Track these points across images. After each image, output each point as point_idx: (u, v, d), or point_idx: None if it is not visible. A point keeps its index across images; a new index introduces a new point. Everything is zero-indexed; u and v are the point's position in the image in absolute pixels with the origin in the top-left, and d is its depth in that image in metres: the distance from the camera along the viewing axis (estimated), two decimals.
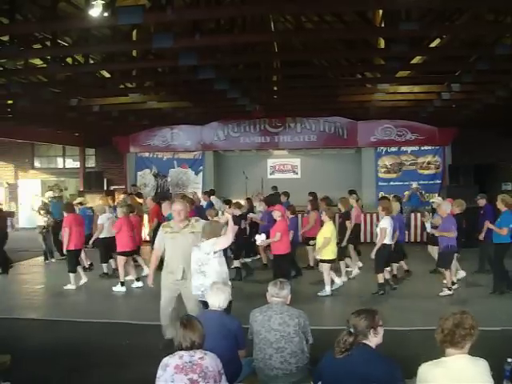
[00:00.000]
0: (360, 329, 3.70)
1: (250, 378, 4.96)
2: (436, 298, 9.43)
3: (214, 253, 6.31)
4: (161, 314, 6.90)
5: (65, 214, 10.98)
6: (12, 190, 23.34)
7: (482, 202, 11.25)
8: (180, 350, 3.80)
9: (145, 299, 9.88)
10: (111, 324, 8.34)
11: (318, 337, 5.16)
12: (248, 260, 12.06)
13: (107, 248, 11.61)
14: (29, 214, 14.89)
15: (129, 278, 10.74)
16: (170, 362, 3.73)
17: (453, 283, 9.75)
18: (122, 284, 10.45)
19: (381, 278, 9.71)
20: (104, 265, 11.78)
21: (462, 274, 10.69)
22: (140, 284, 10.63)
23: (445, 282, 9.90)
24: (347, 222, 10.77)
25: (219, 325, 4.80)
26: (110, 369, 6.24)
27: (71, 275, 10.70)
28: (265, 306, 5.00)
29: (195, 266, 6.35)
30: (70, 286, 10.64)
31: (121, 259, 10.54)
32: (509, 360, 3.95)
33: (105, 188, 20.79)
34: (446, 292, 9.56)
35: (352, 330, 3.69)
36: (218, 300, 4.96)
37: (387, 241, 9.66)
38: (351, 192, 12.87)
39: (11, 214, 21.03)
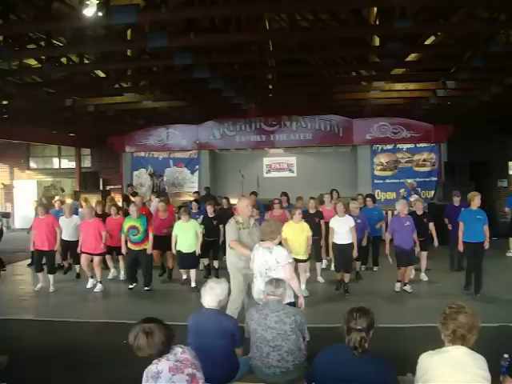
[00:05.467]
0: (365, 327, 3.68)
1: (247, 376, 4.97)
2: (430, 295, 9.48)
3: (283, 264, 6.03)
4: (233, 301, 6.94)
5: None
6: (8, 191, 23.31)
7: (457, 199, 11.36)
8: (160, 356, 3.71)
9: (140, 299, 9.94)
10: (108, 324, 8.38)
11: (314, 334, 5.17)
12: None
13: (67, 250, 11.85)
14: (24, 215, 14.82)
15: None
16: (162, 368, 3.63)
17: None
18: (100, 282, 10.79)
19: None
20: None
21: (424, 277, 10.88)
22: (98, 288, 10.71)
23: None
24: (321, 222, 10.75)
25: (216, 323, 4.80)
26: (107, 368, 6.26)
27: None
28: (261, 304, 5.01)
29: (261, 268, 6.04)
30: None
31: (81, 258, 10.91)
32: (505, 356, 3.97)
33: (101, 188, 20.76)
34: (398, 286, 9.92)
35: (360, 327, 3.65)
36: (211, 300, 4.93)
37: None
38: (333, 190, 12.77)
39: (7, 215, 21.08)
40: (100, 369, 6.27)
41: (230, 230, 7.14)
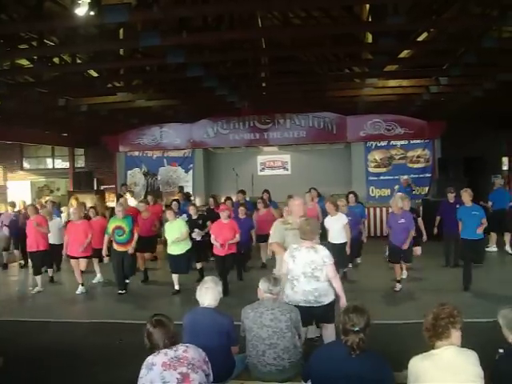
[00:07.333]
0: (362, 327, 3.68)
1: (243, 374, 4.97)
2: (425, 291, 9.46)
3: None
4: None
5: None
6: (1, 192, 23.20)
7: (452, 196, 11.36)
8: (160, 349, 3.79)
9: (135, 298, 9.92)
10: (102, 324, 8.35)
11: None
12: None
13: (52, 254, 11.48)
14: None
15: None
16: (156, 361, 3.71)
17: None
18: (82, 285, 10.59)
19: None
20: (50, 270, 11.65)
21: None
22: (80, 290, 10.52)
23: (404, 276, 10.24)
24: None
25: (211, 322, 4.80)
26: (103, 369, 6.24)
27: None
28: (256, 302, 5.00)
29: (306, 268, 5.72)
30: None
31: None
32: (500, 350, 3.97)
33: (95, 188, 20.70)
34: (399, 286, 9.72)
35: (357, 329, 3.65)
36: (208, 299, 4.93)
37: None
38: (311, 189, 12.66)
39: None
40: (96, 369, 6.26)
41: (275, 230, 6.91)
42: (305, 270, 5.71)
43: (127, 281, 10.44)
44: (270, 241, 6.99)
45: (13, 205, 13.68)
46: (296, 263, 5.77)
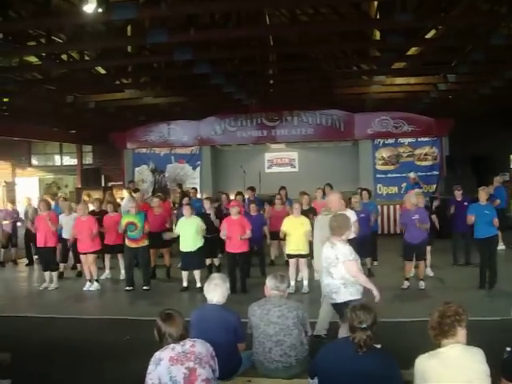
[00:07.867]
0: (370, 324, 3.67)
1: (249, 371, 4.97)
2: (433, 289, 9.44)
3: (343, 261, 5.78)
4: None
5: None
6: (10, 189, 23.30)
7: (459, 193, 11.32)
8: (169, 343, 3.80)
9: (143, 295, 9.94)
10: (110, 321, 8.39)
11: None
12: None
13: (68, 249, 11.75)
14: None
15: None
16: (164, 356, 3.71)
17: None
18: (97, 281, 10.65)
19: None
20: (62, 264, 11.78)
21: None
22: (94, 287, 10.54)
23: (411, 274, 10.06)
24: (315, 218, 10.46)
25: (219, 318, 4.80)
26: (110, 365, 6.26)
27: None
28: (262, 299, 5.00)
29: (324, 263, 5.95)
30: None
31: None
32: (508, 349, 3.96)
33: (103, 184, 20.76)
34: (407, 284, 9.71)
35: (365, 326, 3.64)
36: (217, 296, 4.93)
37: None
38: (326, 185, 12.61)
39: None
40: (104, 365, 6.27)
41: (323, 224, 6.91)
42: (324, 265, 5.94)
43: (146, 288, 10.30)
44: (321, 234, 7.06)
45: (13, 202, 13.78)
46: (323, 257, 6.02)
